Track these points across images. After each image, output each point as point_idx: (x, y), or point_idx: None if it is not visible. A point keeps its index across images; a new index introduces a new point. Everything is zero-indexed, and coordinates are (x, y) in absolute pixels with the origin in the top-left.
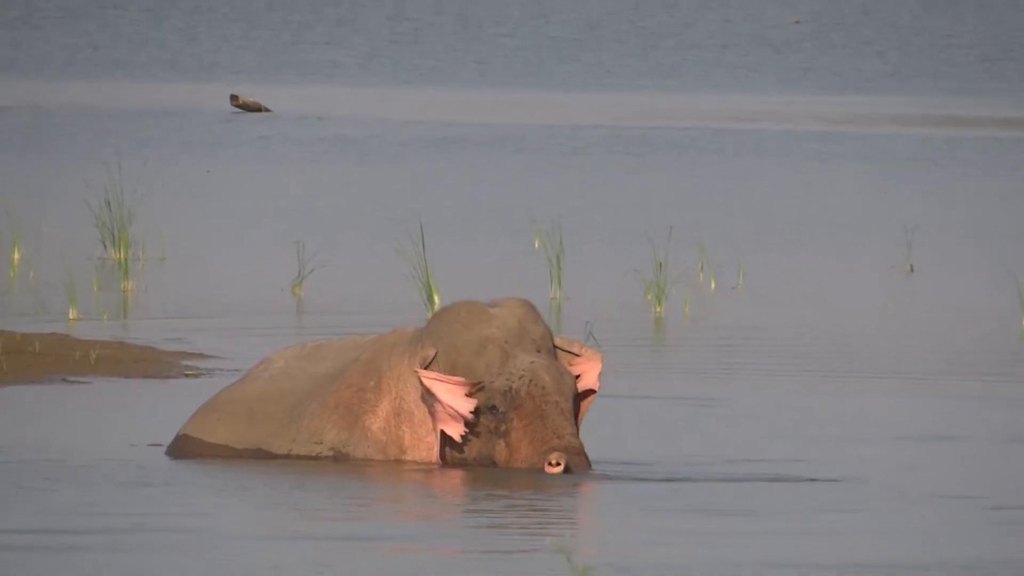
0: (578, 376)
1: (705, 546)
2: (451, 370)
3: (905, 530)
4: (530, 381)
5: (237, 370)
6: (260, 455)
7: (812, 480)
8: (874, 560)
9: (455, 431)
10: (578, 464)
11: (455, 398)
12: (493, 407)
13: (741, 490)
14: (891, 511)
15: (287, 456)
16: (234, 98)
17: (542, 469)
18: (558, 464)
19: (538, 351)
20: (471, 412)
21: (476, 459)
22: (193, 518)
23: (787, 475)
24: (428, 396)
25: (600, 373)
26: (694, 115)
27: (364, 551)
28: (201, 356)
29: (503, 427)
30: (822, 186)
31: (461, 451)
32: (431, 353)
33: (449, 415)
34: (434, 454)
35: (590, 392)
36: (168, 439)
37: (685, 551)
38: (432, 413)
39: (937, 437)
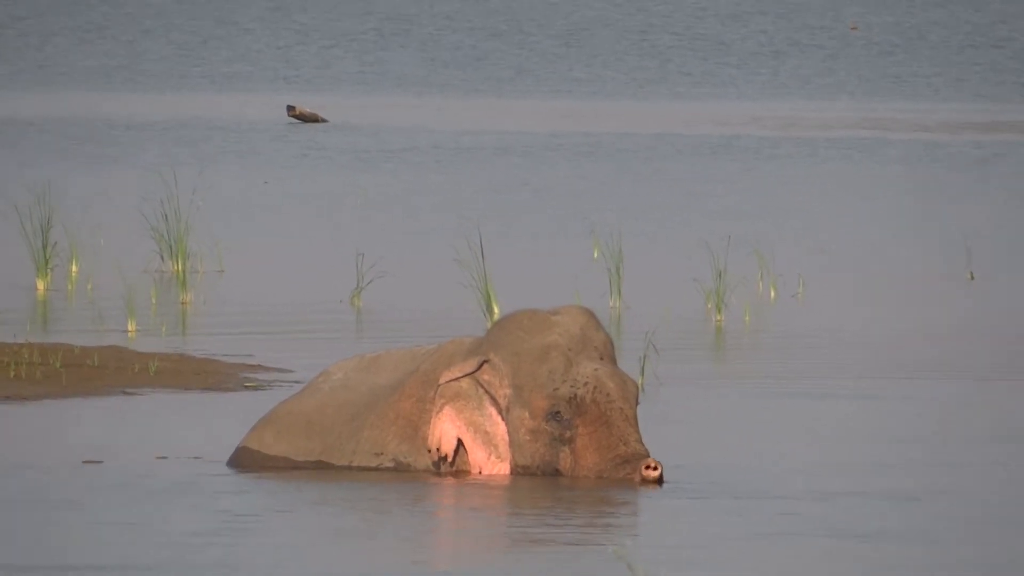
0: None
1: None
2: (513, 378)
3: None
4: (595, 388)
5: (297, 382)
6: (320, 467)
7: (890, 498)
8: None
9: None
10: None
11: None
12: (557, 414)
13: (811, 506)
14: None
15: (347, 468)
16: (291, 108)
17: (607, 476)
18: (656, 469)
19: (601, 358)
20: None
21: (540, 467)
22: (254, 553)
23: (864, 490)
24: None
25: None
26: (747, 123)
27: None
28: (260, 368)
29: (568, 434)
30: (877, 192)
31: (526, 460)
32: (480, 360)
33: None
34: (496, 464)
35: None
36: (228, 452)
37: (744, 568)
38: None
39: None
